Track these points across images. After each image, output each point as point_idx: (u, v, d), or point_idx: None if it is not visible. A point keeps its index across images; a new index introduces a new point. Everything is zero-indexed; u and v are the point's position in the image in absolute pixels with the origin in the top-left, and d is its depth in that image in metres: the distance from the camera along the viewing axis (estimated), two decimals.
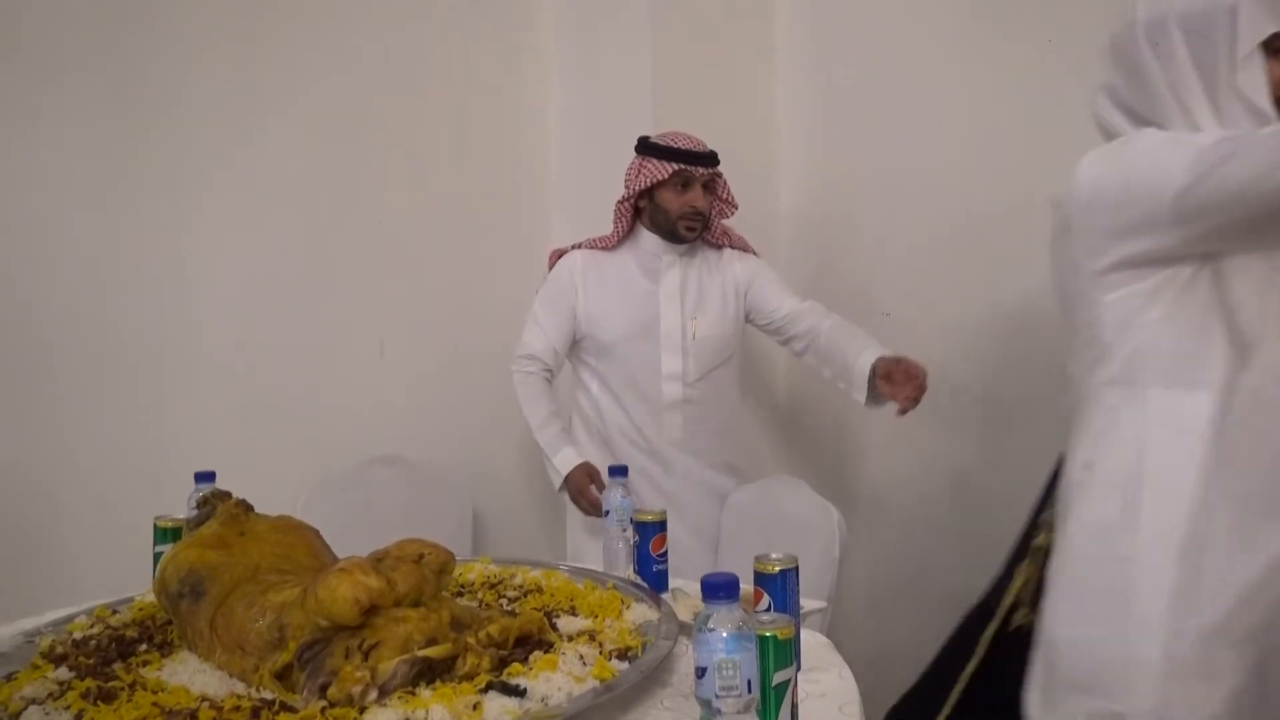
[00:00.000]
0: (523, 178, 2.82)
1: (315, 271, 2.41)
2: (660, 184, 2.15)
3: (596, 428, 2.25)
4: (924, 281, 2.47)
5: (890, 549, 2.53)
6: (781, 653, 0.95)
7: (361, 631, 1.09)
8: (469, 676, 1.07)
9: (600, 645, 1.19)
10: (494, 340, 2.44)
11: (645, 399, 2.20)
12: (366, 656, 1.06)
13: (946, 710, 1.54)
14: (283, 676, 1.08)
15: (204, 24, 2.25)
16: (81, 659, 1.20)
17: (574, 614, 1.35)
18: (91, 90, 2.12)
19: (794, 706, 0.98)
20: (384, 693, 1.03)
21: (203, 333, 2.26)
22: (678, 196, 2.16)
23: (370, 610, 1.09)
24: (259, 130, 2.33)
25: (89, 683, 1.10)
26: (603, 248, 2.27)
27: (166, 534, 1.55)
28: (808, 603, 1.39)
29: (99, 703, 1.05)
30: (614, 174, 2.24)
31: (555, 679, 1.06)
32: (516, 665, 1.10)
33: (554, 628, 1.26)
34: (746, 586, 1.13)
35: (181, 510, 1.58)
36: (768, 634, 0.95)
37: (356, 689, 1.02)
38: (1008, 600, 1.52)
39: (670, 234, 2.19)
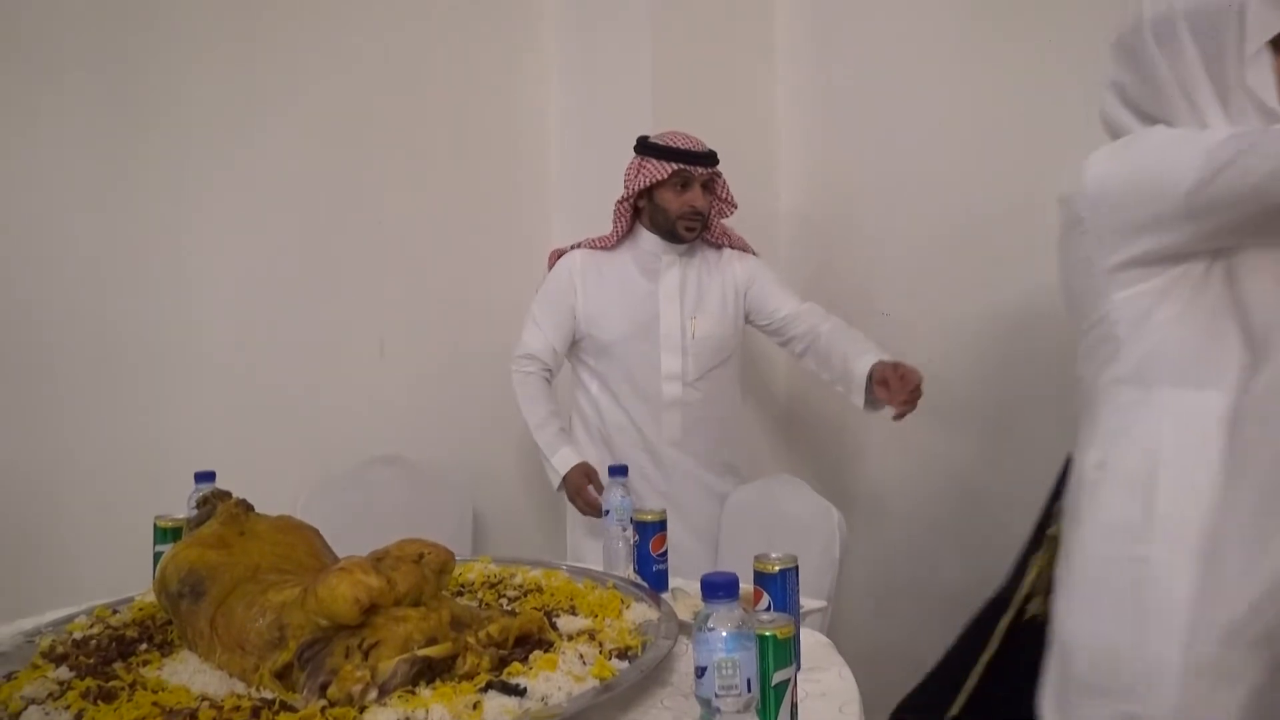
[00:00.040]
0: (523, 178, 2.82)
1: (315, 271, 2.42)
2: (659, 184, 2.15)
3: (596, 427, 2.26)
4: (924, 281, 2.47)
5: (890, 549, 2.53)
6: (781, 652, 0.95)
7: (361, 631, 1.09)
8: (469, 676, 1.07)
9: (600, 645, 1.19)
10: (494, 340, 2.44)
11: (645, 398, 2.20)
12: (366, 656, 1.06)
13: (961, 700, 1.52)
14: (283, 676, 1.09)
15: (204, 24, 2.25)
16: (82, 659, 1.21)
17: (574, 613, 1.35)
18: (91, 90, 2.12)
19: (794, 706, 0.98)
20: (384, 692, 1.03)
21: (203, 333, 2.26)
22: (677, 196, 2.16)
23: (370, 609, 1.09)
24: (259, 130, 2.33)
25: (89, 682, 1.10)
26: (602, 247, 2.27)
27: (166, 534, 1.56)
28: (807, 602, 1.39)
29: (99, 702, 1.05)
30: (614, 174, 2.24)
31: (555, 678, 1.06)
32: (516, 665, 1.10)
33: (554, 627, 1.26)
34: (746, 586, 1.13)
35: (181, 510, 1.58)
36: (767, 633, 0.95)
37: (356, 688, 1.02)
38: (1023, 590, 1.50)
39: (670, 234, 2.19)
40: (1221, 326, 1.22)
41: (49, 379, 2.08)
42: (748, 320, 2.31)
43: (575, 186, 2.80)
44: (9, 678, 1.15)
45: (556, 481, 2.17)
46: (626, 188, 2.20)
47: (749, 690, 0.90)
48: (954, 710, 1.53)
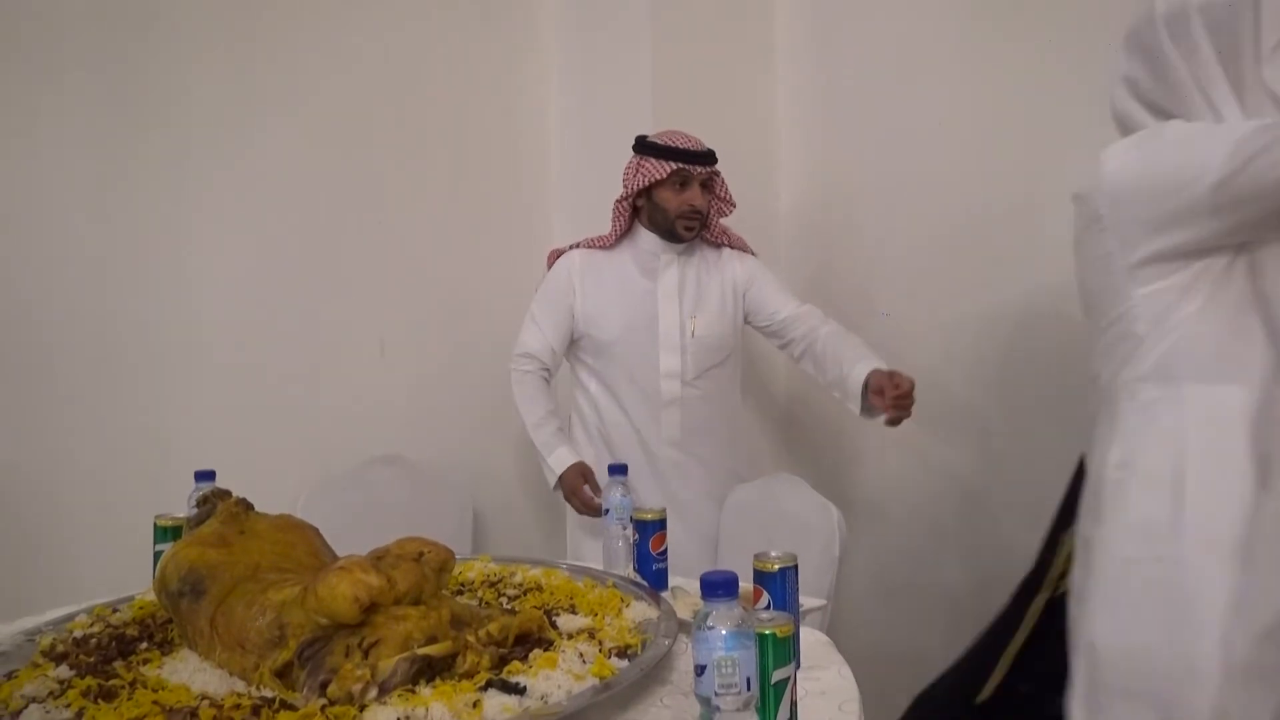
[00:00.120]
0: (523, 178, 2.82)
1: (315, 271, 2.42)
2: (658, 183, 2.15)
3: (595, 427, 2.26)
4: (924, 281, 2.47)
5: (890, 548, 2.53)
6: (781, 650, 0.95)
7: (361, 629, 1.09)
8: (469, 674, 1.07)
9: (600, 643, 1.20)
10: (494, 340, 2.44)
11: (644, 397, 2.20)
12: (366, 654, 1.06)
13: (992, 685, 1.49)
14: (283, 674, 1.09)
15: (204, 24, 2.25)
16: (82, 657, 1.21)
17: (574, 612, 1.35)
18: (91, 90, 2.12)
19: (793, 704, 0.98)
20: (384, 690, 1.03)
21: (203, 332, 2.26)
22: (676, 195, 2.16)
23: (370, 608, 1.09)
24: (259, 130, 2.33)
25: (89, 681, 1.10)
26: (601, 247, 2.27)
27: (167, 533, 1.56)
28: (807, 601, 1.39)
29: (99, 701, 1.05)
30: (614, 174, 2.24)
31: (555, 677, 1.06)
32: (516, 663, 1.10)
33: (554, 626, 1.26)
34: (746, 584, 1.13)
35: (182, 509, 1.58)
36: (767, 632, 0.95)
37: (356, 687, 1.02)
38: (1056, 569, 1.47)
39: (668, 233, 2.19)
40: (1245, 322, 1.20)
41: (49, 379, 2.08)
42: (746, 321, 2.31)
43: (575, 186, 2.81)
44: (10, 676, 1.15)
45: (553, 481, 2.18)
46: (625, 187, 2.20)
47: (748, 688, 0.90)
48: (984, 695, 1.50)
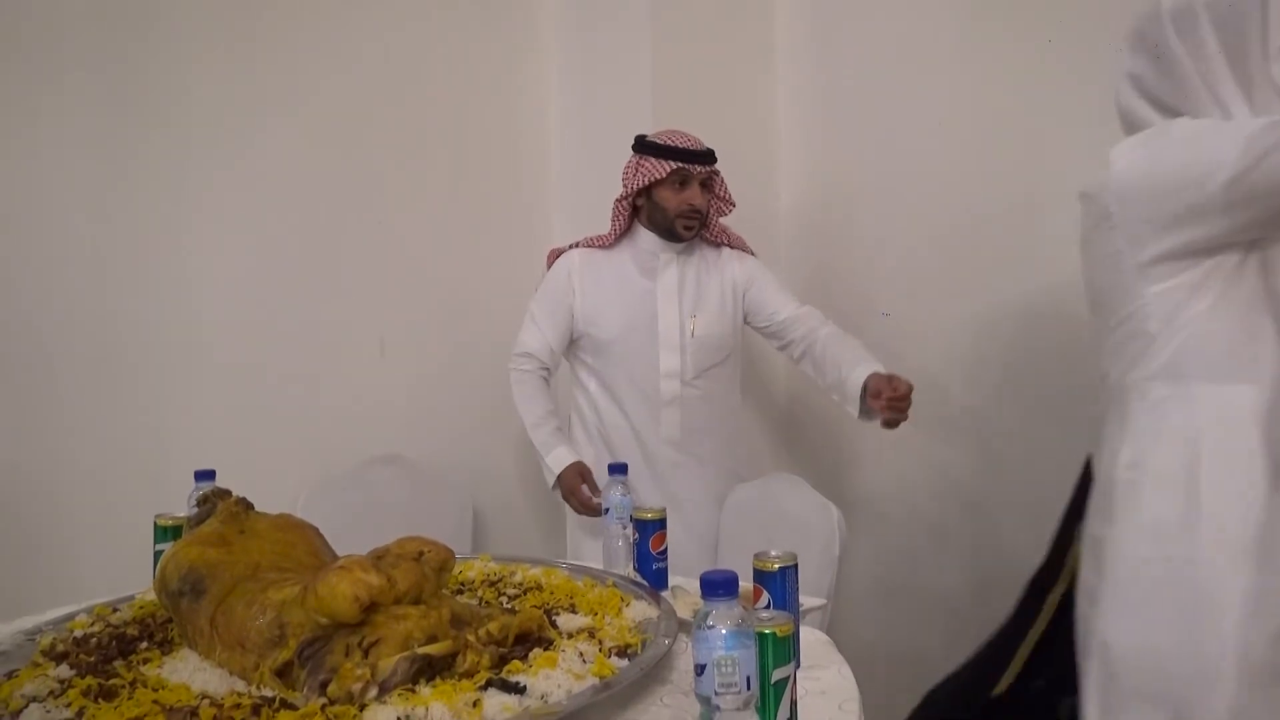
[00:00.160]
0: (523, 178, 2.82)
1: (315, 271, 2.42)
2: (658, 182, 2.15)
3: (595, 426, 2.26)
4: (924, 281, 2.47)
5: (890, 548, 2.54)
6: (781, 650, 0.95)
7: (361, 629, 1.09)
8: (469, 674, 1.07)
9: (600, 642, 1.20)
10: (494, 340, 2.44)
11: (643, 397, 2.20)
12: (367, 654, 1.06)
13: (1013, 672, 1.48)
14: (283, 674, 1.09)
15: (204, 24, 2.26)
16: (82, 657, 1.20)
17: (574, 611, 1.35)
18: (91, 90, 2.12)
19: (793, 704, 0.98)
20: (384, 690, 1.03)
21: (203, 332, 2.26)
22: (676, 195, 2.16)
23: (370, 608, 1.09)
24: (259, 130, 2.33)
25: (90, 680, 1.10)
26: (600, 246, 2.27)
27: (167, 532, 1.56)
28: (807, 600, 1.39)
29: (100, 700, 1.05)
30: (614, 174, 2.24)
31: (555, 676, 1.06)
32: (516, 662, 1.10)
33: (554, 625, 1.26)
34: (746, 584, 1.13)
35: (182, 509, 1.58)
36: (767, 631, 0.94)
37: (357, 686, 1.02)
38: (1073, 561, 1.44)
39: (668, 232, 2.20)
40: (1257, 320, 1.19)
41: (49, 379, 2.08)
42: (746, 321, 2.31)
43: (575, 186, 2.81)
44: (10, 676, 1.15)
45: (551, 480, 2.18)
46: (625, 186, 2.20)
47: (748, 688, 0.90)
48: (999, 688, 1.48)
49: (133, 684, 1.10)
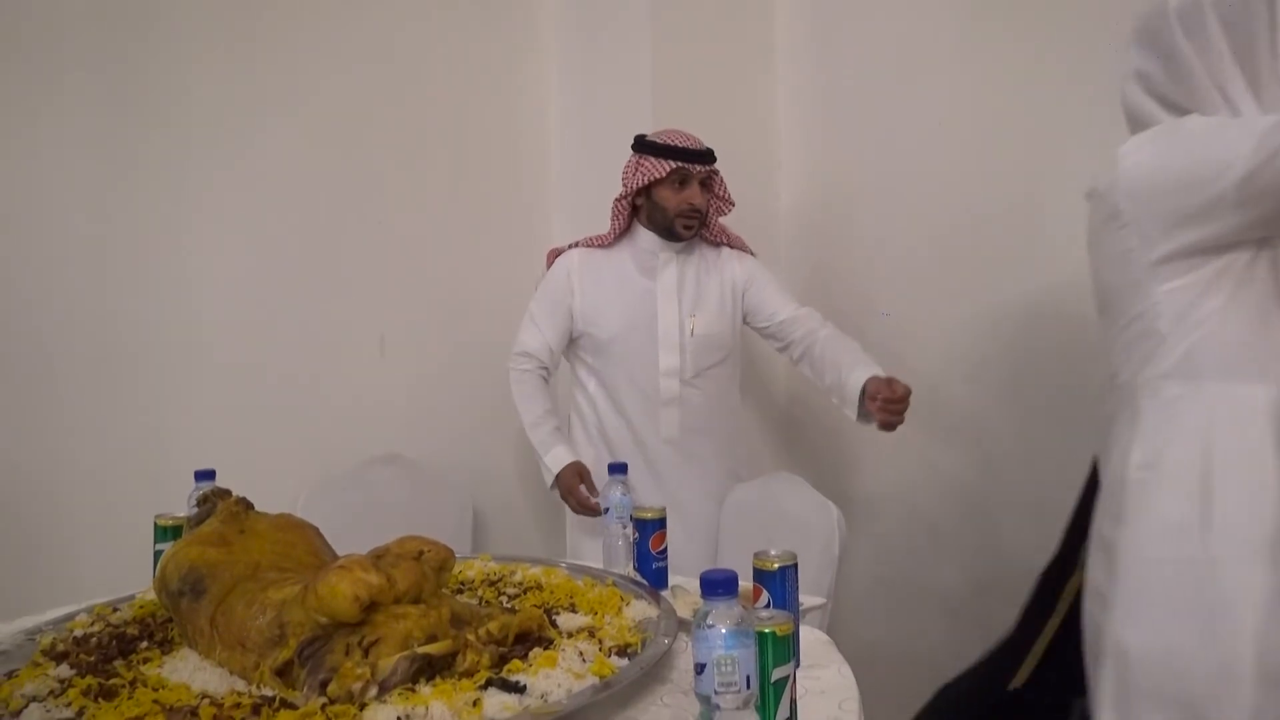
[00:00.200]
0: (523, 178, 2.82)
1: (315, 271, 2.42)
2: (658, 182, 2.16)
3: (594, 425, 2.26)
4: (924, 281, 2.47)
5: (890, 548, 2.54)
6: (780, 649, 0.95)
7: (362, 628, 1.09)
8: (469, 673, 1.07)
9: (600, 642, 1.20)
10: (494, 340, 2.44)
11: (643, 396, 2.20)
12: (367, 653, 1.06)
13: (1027, 671, 1.46)
14: (283, 673, 1.09)
15: (204, 24, 2.26)
16: (82, 656, 1.21)
17: (574, 611, 1.35)
18: (91, 90, 2.12)
19: (793, 703, 0.98)
20: (384, 689, 1.03)
21: (203, 332, 2.26)
22: (675, 194, 2.16)
23: (370, 607, 1.09)
24: (259, 130, 2.33)
25: (90, 680, 1.10)
26: (599, 246, 2.27)
27: (167, 532, 1.56)
28: (807, 599, 1.39)
29: (100, 700, 1.05)
30: (614, 174, 2.24)
31: (555, 675, 1.06)
32: (516, 662, 1.10)
33: (554, 624, 1.26)
34: (746, 583, 1.13)
35: (182, 508, 1.58)
36: (767, 630, 0.95)
37: (357, 685, 1.02)
38: (1085, 554, 1.43)
39: (667, 231, 2.20)
40: (1269, 318, 1.19)
41: (49, 379, 2.09)
42: (745, 321, 2.31)
43: (575, 186, 2.81)
44: (10, 676, 1.15)
45: (550, 480, 2.18)
46: (624, 186, 2.20)
47: (748, 687, 0.90)
48: (1017, 681, 1.47)
49: (133, 684, 1.10)
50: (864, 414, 2.06)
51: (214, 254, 2.27)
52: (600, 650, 1.16)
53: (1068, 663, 1.37)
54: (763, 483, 2.24)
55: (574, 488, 2.14)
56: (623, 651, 1.17)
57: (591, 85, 2.75)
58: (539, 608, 1.33)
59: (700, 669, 0.90)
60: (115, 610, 1.42)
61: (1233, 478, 1.18)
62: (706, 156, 2.17)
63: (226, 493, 1.44)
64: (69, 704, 1.05)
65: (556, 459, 2.16)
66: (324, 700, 1.01)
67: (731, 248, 2.33)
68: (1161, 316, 1.24)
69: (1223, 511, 1.17)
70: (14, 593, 1.85)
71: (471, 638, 1.11)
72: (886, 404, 1.94)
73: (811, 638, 1.31)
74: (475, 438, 2.64)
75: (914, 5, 2.49)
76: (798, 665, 1.11)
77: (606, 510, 1.67)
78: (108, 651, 1.23)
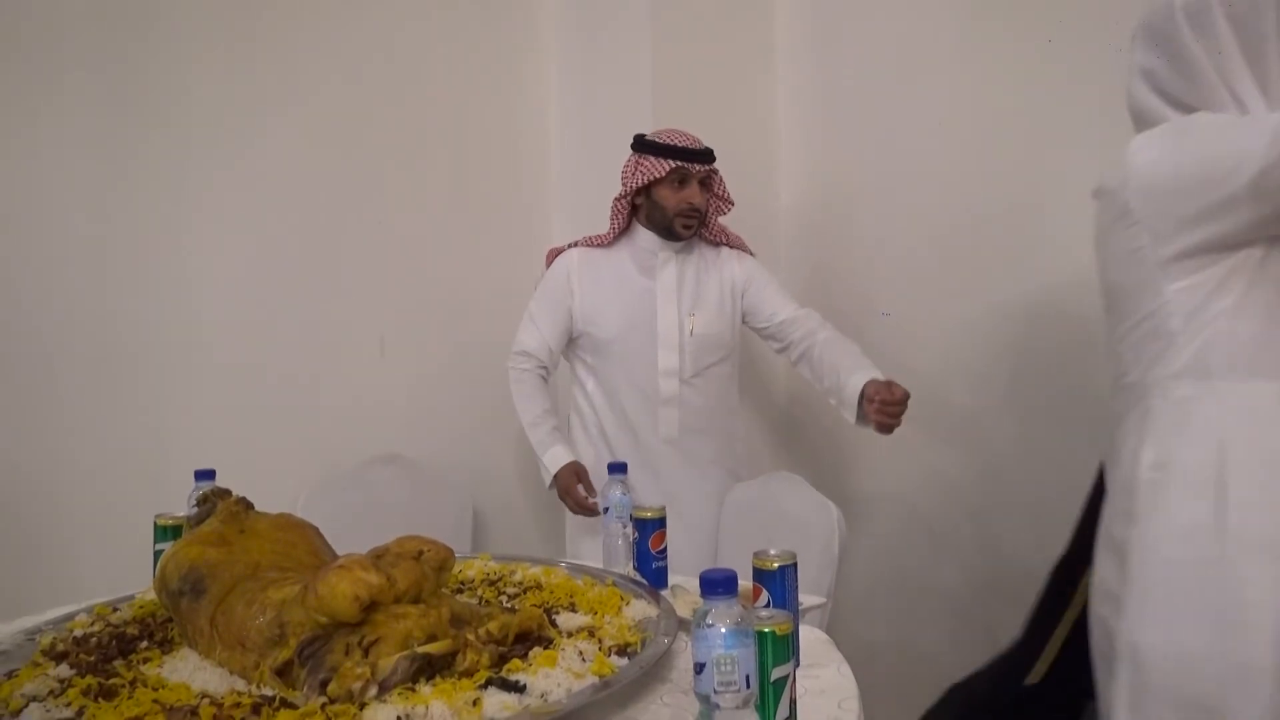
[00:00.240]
0: (523, 178, 2.82)
1: (315, 271, 2.42)
2: (657, 181, 2.16)
3: (594, 425, 2.26)
4: (924, 281, 2.47)
5: (889, 547, 2.54)
6: (780, 648, 0.95)
7: (361, 628, 1.09)
8: (469, 672, 1.07)
9: (600, 641, 1.20)
10: (494, 340, 2.43)
11: (642, 395, 2.20)
12: (366, 653, 1.06)
13: (1044, 665, 1.45)
14: (283, 673, 1.09)
15: (204, 24, 2.26)
16: (82, 656, 1.20)
17: (573, 610, 1.35)
18: (91, 90, 2.13)
19: (792, 702, 0.98)
20: (384, 689, 1.03)
21: (203, 332, 2.26)
22: (675, 193, 2.16)
23: (370, 607, 1.09)
24: (259, 130, 2.33)
25: (90, 680, 1.10)
26: (599, 245, 2.28)
27: (167, 532, 1.56)
28: (807, 599, 1.39)
29: (100, 699, 1.05)
30: (614, 174, 2.24)
31: (555, 675, 1.06)
32: (516, 661, 1.10)
33: (553, 624, 1.26)
34: (745, 583, 1.13)
35: (181, 508, 1.58)
36: (766, 630, 0.94)
37: (357, 685, 1.02)
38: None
39: (667, 231, 2.20)
40: None
41: (49, 379, 2.09)
42: (744, 322, 2.32)
43: (575, 186, 2.81)
44: (10, 675, 1.15)
45: (548, 480, 2.18)
46: (624, 185, 2.20)
47: (748, 686, 0.90)
48: (1034, 677, 1.46)
49: (133, 683, 1.10)
50: (862, 417, 2.06)
51: (214, 254, 2.27)
52: (600, 650, 1.16)
53: (1085, 657, 1.35)
54: (762, 482, 2.24)
55: (571, 487, 2.14)
56: (622, 651, 1.17)
57: (591, 85, 2.75)
58: (539, 607, 1.33)
59: (700, 668, 0.90)
60: (115, 610, 1.42)
61: (1248, 477, 1.16)
62: (706, 156, 2.17)
63: (226, 493, 1.44)
64: (69, 704, 1.05)
65: (554, 459, 2.17)
66: (324, 700, 1.01)
67: (731, 247, 2.33)
68: (1173, 315, 1.22)
69: (1238, 511, 1.15)
70: (14, 593, 1.85)
71: (471, 637, 1.11)
72: (884, 406, 1.95)
73: (811, 637, 1.31)
74: (475, 438, 2.64)
75: (914, 5, 2.49)
76: (797, 664, 1.11)
77: (606, 510, 1.68)
78: (108, 651, 1.23)
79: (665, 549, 1.58)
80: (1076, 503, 1.55)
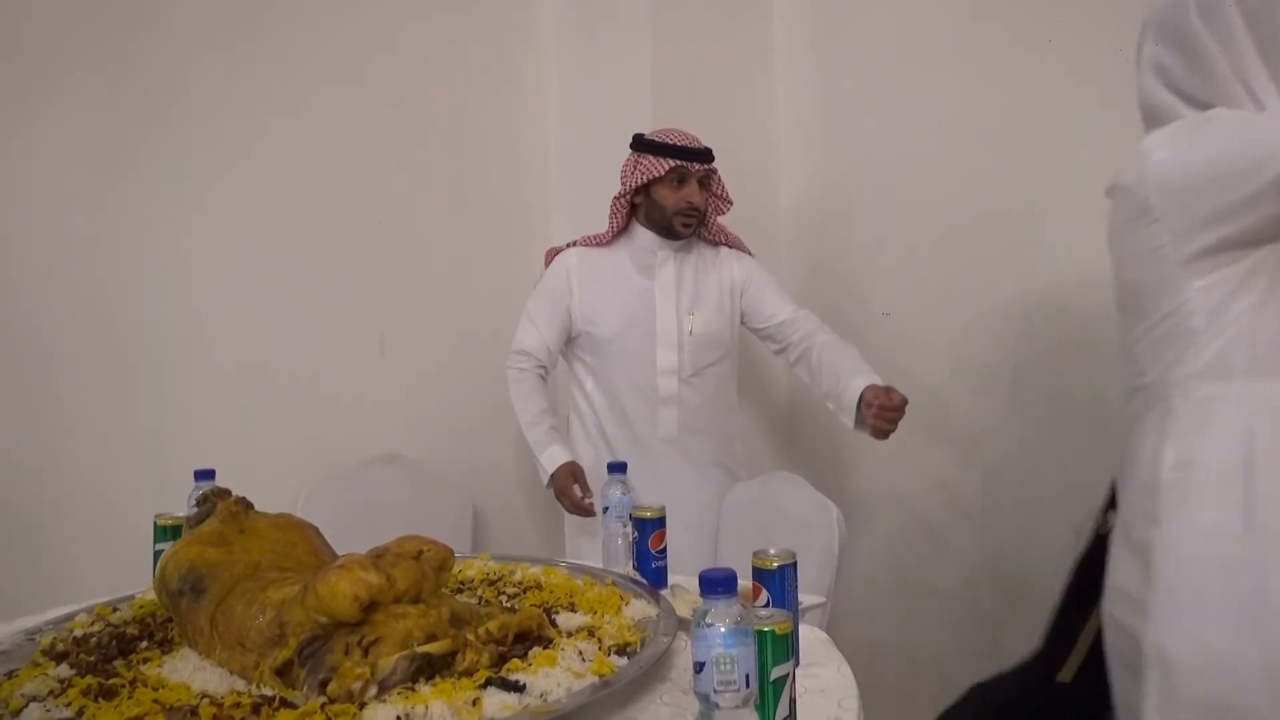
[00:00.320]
0: (523, 178, 2.82)
1: (315, 271, 2.42)
2: (656, 180, 2.16)
3: (593, 424, 2.26)
4: (923, 281, 2.48)
5: (890, 546, 2.54)
6: (780, 648, 0.95)
7: (361, 628, 1.09)
8: (468, 672, 1.07)
9: (599, 641, 1.20)
10: (494, 340, 2.44)
11: (641, 395, 2.20)
12: (366, 653, 1.06)
13: (1080, 653, 1.42)
14: (283, 673, 1.09)
15: (204, 24, 2.26)
16: (82, 656, 1.20)
17: (573, 610, 1.35)
18: (91, 90, 2.13)
19: (792, 701, 0.98)
20: (384, 689, 1.03)
21: (203, 332, 2.26)
22: (674, 193, 2.16)
23: (370, 607, 1.09)
24: (259, 130, 2.33)
25: (90, 680, 1.10)
26: (597, 244, 2.28)
27: (167, 532, 1.56)
28: (806, 598, 1.39)
29: (100, 699, 1.05)
30: (614, 173, 2.24)
31: (554, 674, 1.06)
32: (516, 661, 1.10)
33: (553, 624, 1.26)
34: (745, 582, 1.13)
35: (181, 508, 1.58)
36: (766, 629, 0.94)
37: (356, 685, 1.02)
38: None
39: (666, 230, 2.20)
40: None
41: (49, 379, 2.09)
42: (742, 322, 2.32)
43: (575, 186, 2.81)
44: (10, 675, 1.15)
45: (546, 480, 2.18)
46: (623, 184, 2.21)
47: (747, 685, 0.90)
48: (1066, 674, 1.43)
49: (133, 683, 1.10)
50: (860, 421, 2.06)
51: (214, 254, 2.27)
52: (600, 649, 1.16)
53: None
54: (762, 482, 2.24)
55: (567, 488, 2.14)
56: (622, 650, 1.17)
57: (591, 85, 2.75)
58: (538, 607, 1.33)
59: (699, 668, 0.90)
60: (115, 610, 1.42)
61: (1275, 475, 1.14)
62: (705, 155, 2.18)
63: (226, 492, 1.44)
64: (69, 704, 1.04)
65: (551, 459, 2.17)
66: (324, 700, 1.01)
67: (730, 247, 2.33)
68: (1194, 314, 1.20)
69: (1266, 511, 1.13)
70: (14, 593, 1.85)
71: (471, 637, 1.11)
72: (882, 412, 1.95)
73: (811, 636, 1.31)
74: (475, 438, 2.64)
75: (914, 5, 2.50)
76: (797, 664, 1.11)
77: (606, 509, 1.68)
78: (108, 651, 1.23)
79: (665, 549, 1.58)
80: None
